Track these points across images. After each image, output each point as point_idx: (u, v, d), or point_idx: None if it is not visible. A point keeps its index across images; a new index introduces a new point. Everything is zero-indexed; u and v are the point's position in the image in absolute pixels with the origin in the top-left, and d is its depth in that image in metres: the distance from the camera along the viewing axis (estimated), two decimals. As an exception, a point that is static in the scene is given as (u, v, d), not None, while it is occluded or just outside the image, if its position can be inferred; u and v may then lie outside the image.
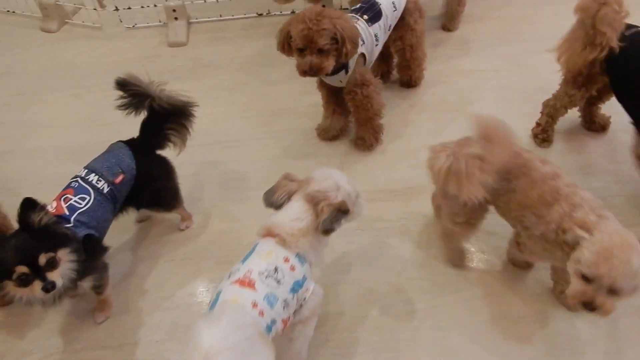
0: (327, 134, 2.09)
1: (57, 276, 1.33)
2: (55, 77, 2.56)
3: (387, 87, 2.26)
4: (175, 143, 1.69)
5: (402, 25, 2.04)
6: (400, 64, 2.22)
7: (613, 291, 1.15)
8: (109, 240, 1.57)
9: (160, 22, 2.75)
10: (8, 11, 2.97)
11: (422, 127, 2.15)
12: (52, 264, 1.33)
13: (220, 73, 2.47)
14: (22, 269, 1.29)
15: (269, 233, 1.31)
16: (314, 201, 1.30)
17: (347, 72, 1.83)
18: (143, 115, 1.63)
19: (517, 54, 2.44)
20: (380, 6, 1.91)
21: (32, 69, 2.64)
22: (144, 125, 1.63)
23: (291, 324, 1.30)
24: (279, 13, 2.76)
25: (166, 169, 1.68)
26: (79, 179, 1.51)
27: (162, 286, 1.72)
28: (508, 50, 2.47)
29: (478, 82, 2.32)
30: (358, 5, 1.93)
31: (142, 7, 2.72)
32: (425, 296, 1.62)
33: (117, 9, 2.70)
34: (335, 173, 1.37)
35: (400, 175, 1.97)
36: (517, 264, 1.64)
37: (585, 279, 1.17)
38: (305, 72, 1.73)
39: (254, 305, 1.17)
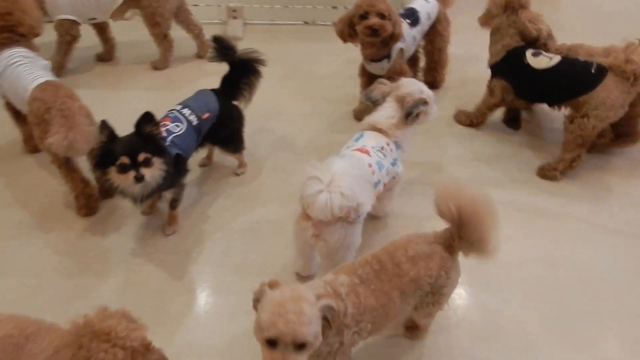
0: (362, 115, 2.49)
1: (148, 173, 1.66)
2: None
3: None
4: (245, 97, 2.09)
5: (433, 32, 2.50)
6: (427, 66, 2.67)
7: (299, 346, 1.09)
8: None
9: (219, 20, 3.19)
10: None
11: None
12: (147, 163, 1.66)
13: (273, 64, 2.86)
14: (124, 159, 1.63)
15: (372, 127, 1.77)
16: (403, 100, 1.78)
17: (389, 61, 2.26)
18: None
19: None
20: (419, 14, 2.37)
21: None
22: (225, 79, 2.04)
23: (386, 189, 1.79)
24: (322, 23, 3.22)
25: (239, 116, 2.08)
26: (175, 111, 1.89)
27: (220, 215, 2.08)
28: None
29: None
30: (402, 11, 2.39)
31: (208, 5, 3.17)
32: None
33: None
34: (419, 82, 1.84)
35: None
36: None
37: (271, 343, 1.09)
38: (370, 28, 2.14)
39: (369, 165, 1.62)
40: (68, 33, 2.71)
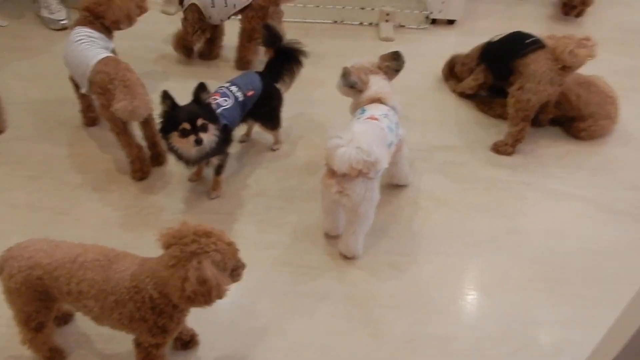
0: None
1: (205, 137, 1.92)
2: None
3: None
4: (286, 82, 2.35)
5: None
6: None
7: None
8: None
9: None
10: None
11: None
12: (204, 128, 1.91)
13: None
14: (185, 125, 1.89)
15: (371, 100, 2.01)
16: (382, 69, 2.08)
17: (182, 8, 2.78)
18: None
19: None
20: None
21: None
22: (269, 64, 2.32)
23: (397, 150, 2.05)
24: (349, 22, 3.48)
25: (279, 97, 2.34)
26: (224, 87, 2.16)
27: (258, 183, 2.34)
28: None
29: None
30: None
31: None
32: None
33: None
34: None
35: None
36: None
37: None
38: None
39: (382, 129, 1.88)
40: None
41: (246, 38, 2.89)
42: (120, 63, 2.15)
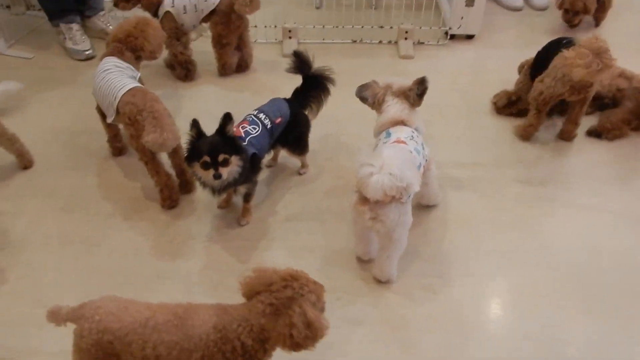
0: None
1: (225, 172, 1.92)
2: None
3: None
4: (313, 109, 2.37)
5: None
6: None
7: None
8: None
9: (275, 40, 3.50)
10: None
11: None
12: (225, 163, 1.93)
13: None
14: (207, 158, 1.91)
15: (393, 123, 2.01)
16: (403, 91, 2.05)
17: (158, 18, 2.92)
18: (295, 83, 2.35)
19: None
20: None
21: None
22: (296, 91, 2.34)
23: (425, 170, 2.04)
24: (368, 41, 3.50)
25: (307, 122, 2.36)
26: (252, 115, 2.18)
27: (287, 208, 2.34)
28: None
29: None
30: None
31: (265, 26, 3.48)
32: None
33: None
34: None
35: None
36: None
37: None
38: None
39: (410, 152, 1.87)
40: None
41: (217, 44, 3.05)
42: (147, 94, 2.18)
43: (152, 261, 2.12)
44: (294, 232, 2.23)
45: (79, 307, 1.44)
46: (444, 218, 2.30)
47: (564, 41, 2.52)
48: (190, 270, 2.08)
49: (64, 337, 1.53)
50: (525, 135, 2.68)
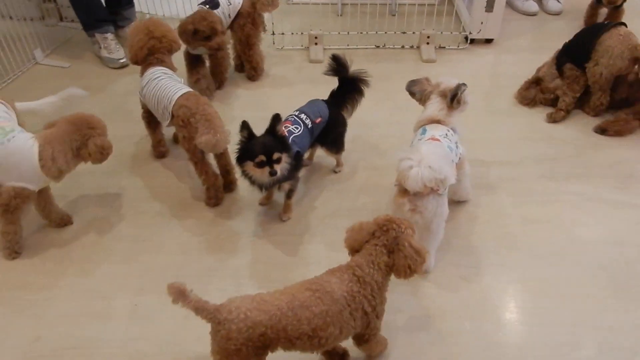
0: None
1: (279, 169, 2.05)
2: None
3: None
4: (348, 110, 2.50)
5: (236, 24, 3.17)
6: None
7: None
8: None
9: (302, 46, 3.64)
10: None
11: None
12: (278, 161, 2.05)
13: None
14: (262, 157, 2.03)
15: (430, 121, 2.12)
16: (445, 93, 2.14)
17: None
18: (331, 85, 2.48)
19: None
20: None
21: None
22: (333, 92, 2.47)
23: (458, 168, 2.11)
24: (391, 47, 3.63)
25: (344, 123, 2.49)
26: (294, 115, 2.30)
27: (325, 205, 2.46)
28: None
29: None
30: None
31: (292, 33, 3.62)
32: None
33: (273, 34, 3.60)
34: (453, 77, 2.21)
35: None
36: None
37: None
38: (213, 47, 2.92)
39: (444, 148, 1.98)
40: None
41: (246, 46, 3.19)
42: (200, 98, 2.31)
43: (201, 256, 2.24)
44: (333, 227, 2.34)
45: (215, 311, 1.45)
46: (474, 213, 2.42)
47: (601, 27, 2.83)
48: (239, 265, 2.19)
49: (120, 327, 1.64)
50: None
